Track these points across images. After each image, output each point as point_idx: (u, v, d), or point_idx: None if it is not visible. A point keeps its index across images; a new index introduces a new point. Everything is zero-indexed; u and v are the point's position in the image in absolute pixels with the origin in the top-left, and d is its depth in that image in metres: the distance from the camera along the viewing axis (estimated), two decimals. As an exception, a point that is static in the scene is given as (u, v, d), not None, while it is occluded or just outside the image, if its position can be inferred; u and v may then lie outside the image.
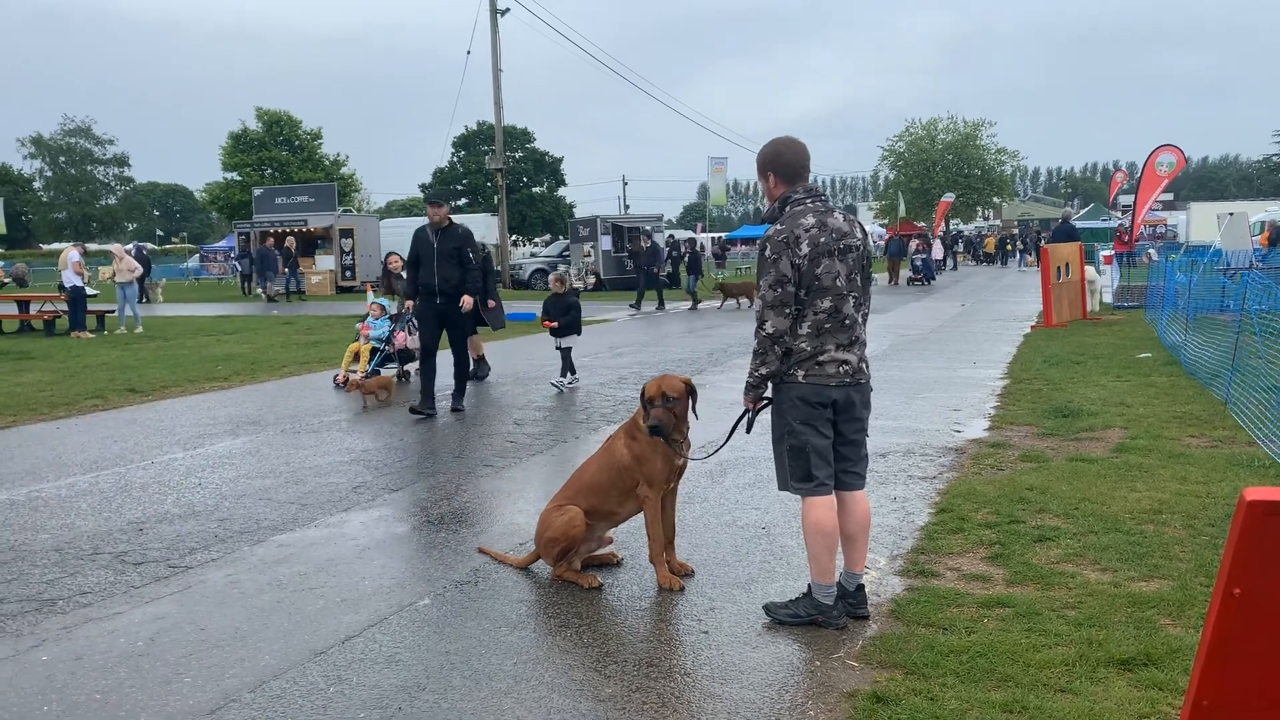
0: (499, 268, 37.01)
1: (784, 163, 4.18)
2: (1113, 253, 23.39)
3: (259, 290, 32.60)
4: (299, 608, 4.54)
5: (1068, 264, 17.62)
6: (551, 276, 12.05)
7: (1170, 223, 52.96)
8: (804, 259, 3.99)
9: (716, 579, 4.80)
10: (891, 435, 7.97)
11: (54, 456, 8.03)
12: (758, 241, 4.26)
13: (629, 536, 5.33)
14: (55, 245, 66.53)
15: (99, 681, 3.80)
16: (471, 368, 11.90)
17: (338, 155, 59.98)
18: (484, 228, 37.89)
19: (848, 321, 4.09)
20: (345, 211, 42.40)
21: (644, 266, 25.02)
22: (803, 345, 4.06)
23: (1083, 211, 67.10)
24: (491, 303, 11.97)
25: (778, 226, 4.08)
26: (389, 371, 11.70)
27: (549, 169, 69.13)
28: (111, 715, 3.52)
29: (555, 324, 11.34)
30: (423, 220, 10.13)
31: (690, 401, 4.71)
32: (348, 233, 35.10)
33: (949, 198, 58.64)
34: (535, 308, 23.95)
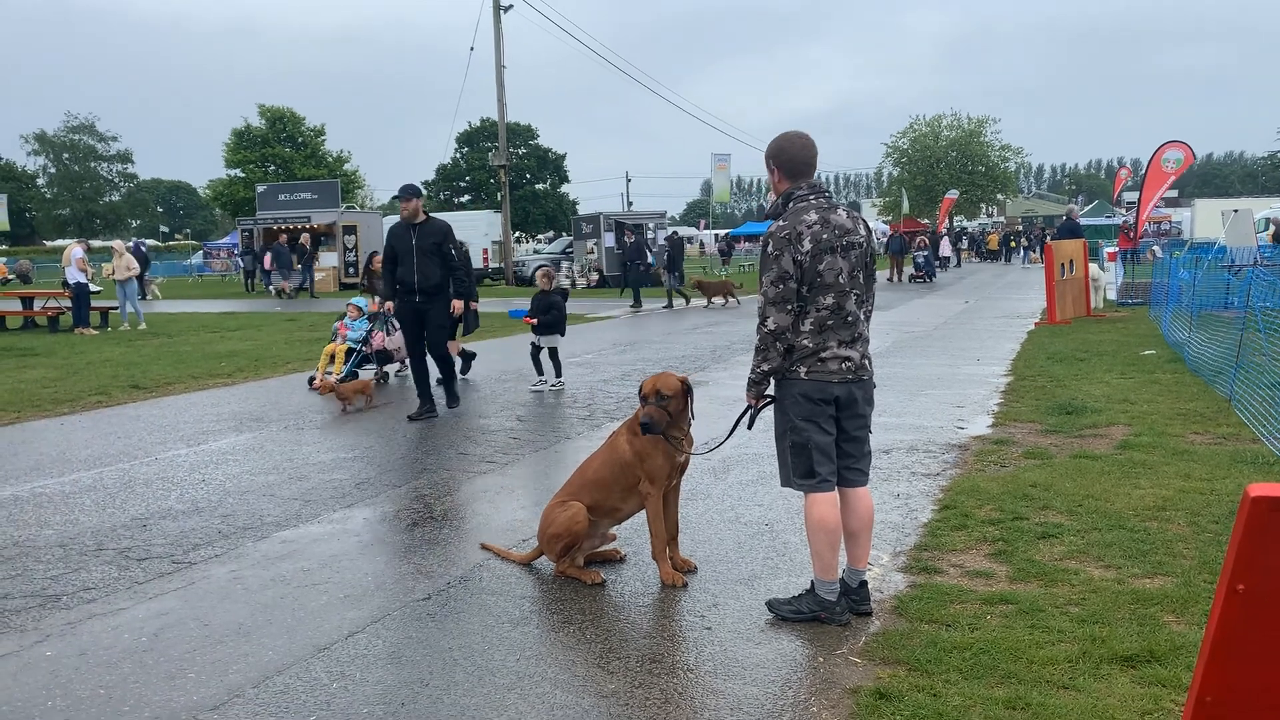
0: (502, 264, 37.09)
1: (787, 158, 4.17)
2: (1117, 250, 23.36)
3: (270, 287, 32.65)
4: (302, 603, 4.55)
5: (1072, 261, 17.59)
6: (539, 272, 11.59)
7: (1174, 219, 52.87)
8: (806, 255, 3.98)
9: (719, 575, 4.80)
10: (895, 432, 7.97)
11: (58, 453, 8.04)
12: (761, 238, 4.26)
13: (632, 533, 5.34)
14: (59, 242, 66.66)
15: (103, 677, 3.81)
16: (459, 364, 11.61)
17: (341, 152, 60.01)
18: (487, 224, 37.91)
19: (850, 318, 4.08)
20: (348, 208, 42.44)
21: (628, 263, 24.91)
22: (805, 342, 4.05)
23: (1087, 208, 66.97)
24: (473, 304, 11.63)
25: (780, 223, 4.08)
26: (367, 373, 11.39)
27: (552, 165, 69.09)
28: (115, 710, 3.53)
29: (535, 321, 10.95)
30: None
31: (687, 400, 4.70)
32: (351, 230, 35.12)
33: (953, 194, 58.59)
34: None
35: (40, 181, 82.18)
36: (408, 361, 11.59)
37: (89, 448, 8.22)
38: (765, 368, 4.09)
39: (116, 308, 20.33)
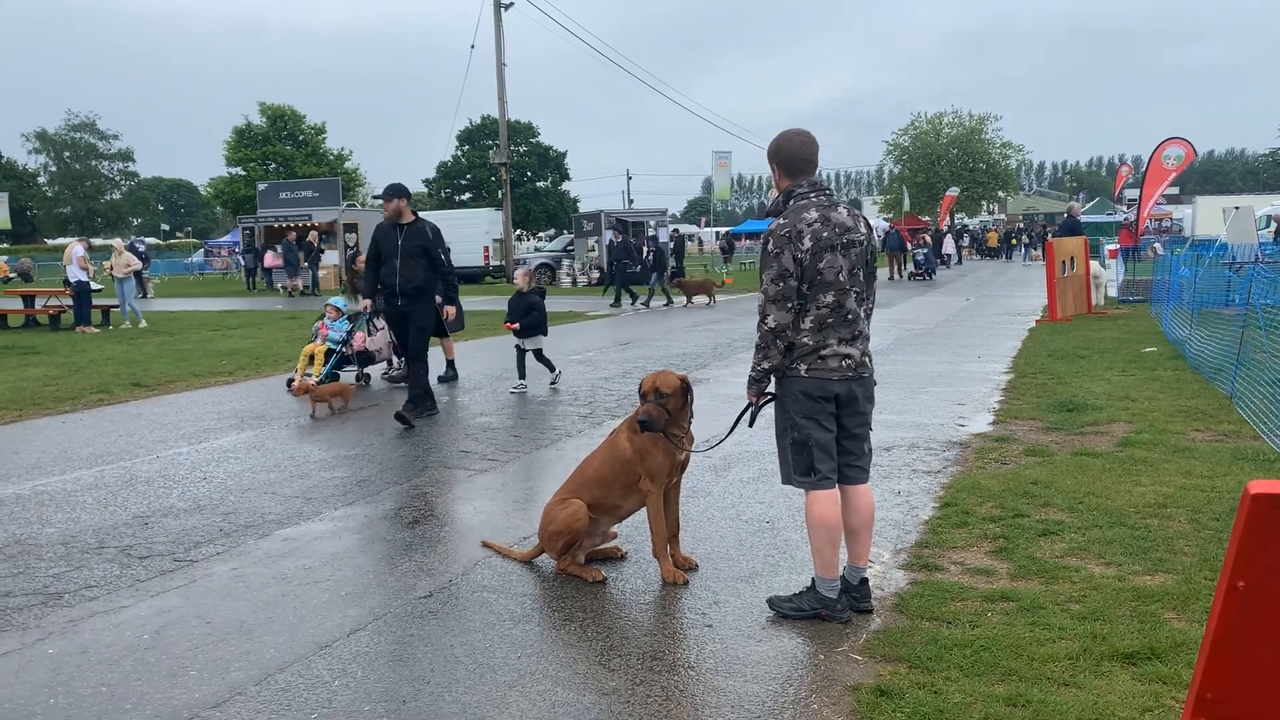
0: (503, 262, 37.08)
1: (786, 156, 4.17)
2: (1118, 247, 23.34)
3: (278, 285, 32.66)
4: (304, 601, 4.55)
5: (1073, 258, 17.58)
6: (518, 272, 11.26)
7: (1175, 216, 52.85)
8: (806, 253, 3.98)
9: (720, 573, 4.80)
10: (896, 429, 7.97)
11: (59, 451, 8.05)
12: (761, 236, 4.26)
13: (633, 530, 5.34)
14: (60, 240, 66.75)
15: (105, 675, 3.81)
16: (445, 371, 11.38)
17: (342, 150, 59.99)
18: (488, 222, 37.89)
19: (850, 316, 4.08)
20: (349, 206, 42.44)
21: (614, 262, 24.84)
22: (805, 340, 4.05)
23: (1088, 206, 66.96)
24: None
25: (781, 220, 4.08)
26: (348, 375, 11.16)
27: (553, 163, 69.07)
28: (117, 708, 3.53)
29: (517, 325, 10.71)
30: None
31: (686, 398, 4.70)
32: (352, 228, 35.12)
33: (953, 192, 58.60)
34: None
35: (41, 180, 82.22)
36: (393, 361, 11.40)
37: (90, 446, 8.22)
38: (766, 365, 4.10)
39: (118, 306, 20.35)
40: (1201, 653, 2.15)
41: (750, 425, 4.47)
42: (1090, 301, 18.04)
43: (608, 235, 32.98)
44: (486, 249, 36.81)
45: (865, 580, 4.28)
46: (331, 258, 35.03)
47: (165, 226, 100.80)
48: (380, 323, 10.83)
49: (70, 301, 19.61)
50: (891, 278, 33.18)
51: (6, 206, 56.89)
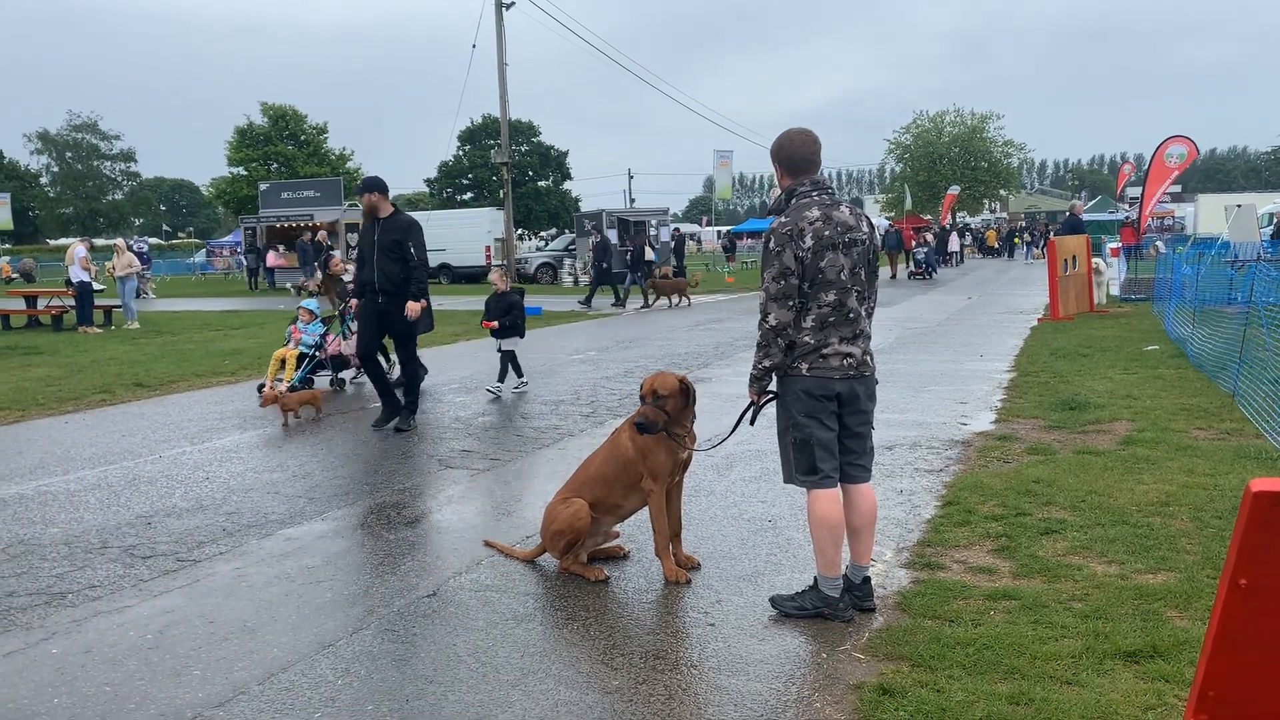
0: (505, 261, 37.08)
1: (788, 155, 4.17)
2: (1120, 245, 23.32)
3: (290, 285, 32.66)
4: (307, 600, 4.56)
5: (1075, 256, 17.58)
6: (494, 272, 11.06)
7: (1178, 215, 52.80)
8: (808, 252, 3.98)
9: (723, 572, 4.80)
10: (898, 428, 7.97)
11: (62, 451, 8.06)
12: (763, 234, 4.26)
13: (635, 529, 5.34)
14: (62, 241, 66.83)
15: (108, 674, 3.82)
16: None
17: (343, 149, 60.00)
18: (490, 222, 37.90)
19: (851, 315, 4.08)
20: (351, 206, 42.44)
21: (597, 262, 24.78)
22: (806, 338, 4.06)
23: (1090, 204, 66.91)
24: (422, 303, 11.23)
25: (782, 219, 4.08)
26: (322, 379, 10.77)
27: (555, 163, 69.08)
28: (121, 708, 3.54)
29: (495, 324, 10.50)
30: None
31: (686, 399, 4.69)
32: (354, 227, 35.13)
33: (954, 190, 58.58)
34: (541, 302, 24.04)
35: (43, 180, 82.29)
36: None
37: (93, 446, 8.24)
38: (767, 364, 4.10)
39: (120, 306, 20.37)
40: (1204, 651, 2.15)
41: (751, 424, 4.48)
42: (1092, 300, 18.03)
43: (611, 234, 32.99)
44: (488, 248, 36.82)
45: (868, 579, 4.28)
46: (333, 257, 35.04)
47: (167, 227, 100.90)
48: (355, 326, 10.20)
49: (72, 302, 19.64)
50: (894, 276, 33.13)
51: (9, 207, 56.96)
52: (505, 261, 36.61)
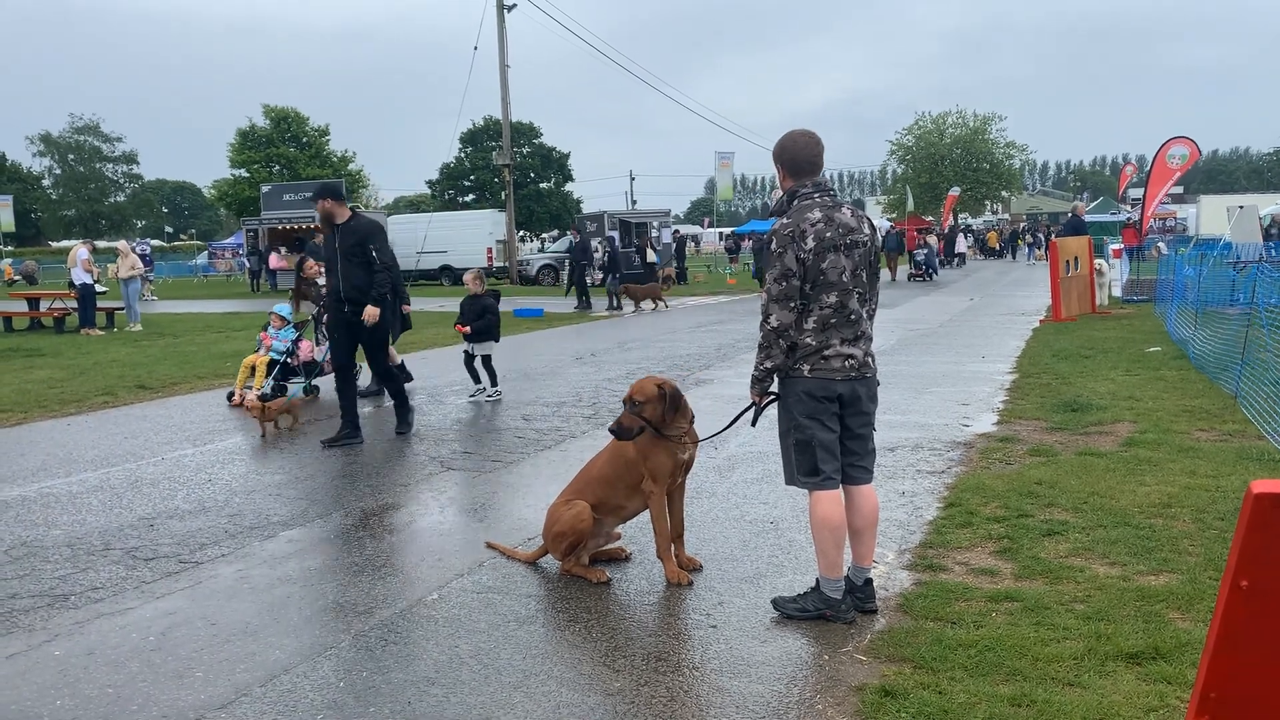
0: (506, 264, 37.10)
1: (789, 157, 4.17)
2: (1122, 246, 23.30)
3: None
4: (309, 602, 4.56)
5: (1077, 258, 17.57)
6: (468, 275, 10.67)
7: (1180, 216, 52.76)
8: (809, 253, 3.99)
9: (725, 574, 4.80)
10: (899, 429, 7.97)
11: (65, 453, 8.07)
12: (764, 236, 4.26)
13: (637, 531, 5.34)
14: (64, 243, 66.88)
15: (111, 676, 3.83)
16: (369, 384, 10.58)
17: (345, 151, 60.06)
18: (491, 224, 37.93)
19: (853, 316, 4.09)
20: (353, 208, 42.45)
21: (574, 263, 24.73)
22: (808, 340, 4.06)
23: (1092, 205, 66.88)
24: (405, 307, 10.70)
25: (784, 220, 4.08)
26: (294, 387, 10.30)
27: (556, 164, 69.06)
28: (123, 709, 3.55)
29: (469, 328, 10.16)
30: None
31: (664, 404, 4.62)
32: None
33: (955, 191, 58.56)
34: (543, 304, 24.05)
35: (46, 183, 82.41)
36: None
37: (95, 448, 8.24)
38: (768, 365, 4.10)
39: (122, 308, 20.40)
40: (1205, 652, 2.15)
41: (753, 425, 4.48)
42: (1094, 301, 18.02)
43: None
44: (490, 250, 36.85)
45: (870, 581, 4.28)
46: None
47: (169, 229, 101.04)
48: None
49: (75, 304, 19.66)
50: (893, 279, 33.03)
51: (11, 209, 56.99)
52: (508, 260, 36.68)
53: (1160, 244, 29.72)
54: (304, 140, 57.66)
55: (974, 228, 65.41)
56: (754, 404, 4.30)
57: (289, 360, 10.50)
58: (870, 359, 4.19)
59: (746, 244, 58.79)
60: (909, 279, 32.74)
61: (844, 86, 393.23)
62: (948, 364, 11.93)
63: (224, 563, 5.17)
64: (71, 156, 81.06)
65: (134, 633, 4.25)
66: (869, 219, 4.25)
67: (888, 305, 19.86)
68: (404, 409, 8.65)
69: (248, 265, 38.14)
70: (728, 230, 66.93)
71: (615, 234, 31.91)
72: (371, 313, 7.93)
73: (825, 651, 3.88)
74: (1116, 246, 23.15)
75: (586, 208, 66.99)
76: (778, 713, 3.40)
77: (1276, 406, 7.14)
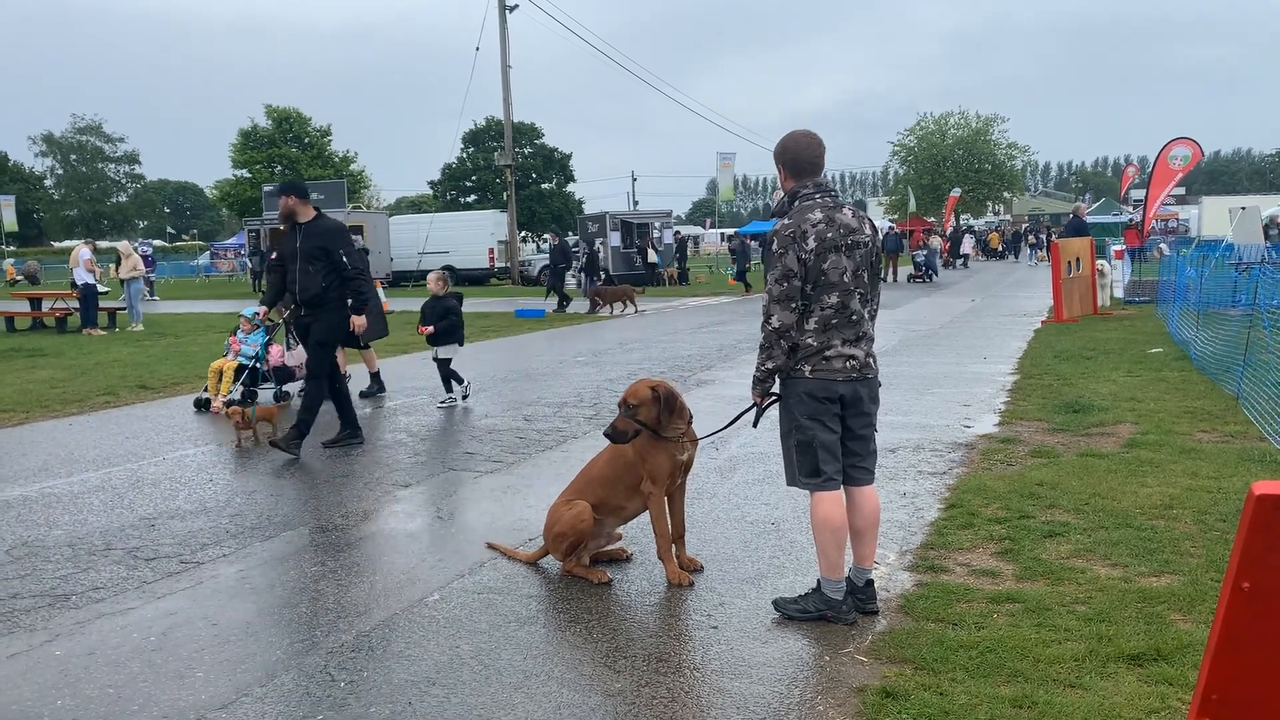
0: (508, 264, 37.11)
1: (791, 157, 4.17)
2: (1124, 247, 23.28)
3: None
4: (309, 602, 4.56)
5: (1078, 259, 17.56)
6: (431, 276, 10.36)
7: (1182, 217, 52.70)
8: (810, 254, 3.98)
9: (726, 574, 4.80)
10: (901, 430, 7.96)
11: (66, 453, 8.07)
12: (765, 236, 4.26)
13: (638, 532, 5.34)
14: (66, 243, 66.96)
15: (111, 676, 3.83)
16: (369, 385, 10.72)
17: (347, 152, 60.17)
18: (493, 224, 37.93)
19: (854, 317, 4.09)
20: (355, 208, 42.51)
21: (554, 265, 24.71)
22: (809, 341, 4.06)
23: (1094, 206, 66.84)
24: (383, 306, 10.43)
25: (785, 221, 4.08)
26: (265, 393, 10.19)
27: (558, 165, 69.09)
28: (124, 709, 3.55)
29: (431, 330, 9.90)
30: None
31: (658, 406, 4.61)
32: (357, 229, 35.18)
33: (956, 192, 58.55)
34: (544, 304, 24.06)
35: (48, 183, 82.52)
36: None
37: (97, 448, 8.25)
38: (769, 365, 4.10)
39: (124, 308, 20.42)
40: (1207, 654, 2.15)
41: (754, 426, 4.47)
42: (1096, 302, 18.01)
43: (613, 237, 32.98)
44: (491, 251, 36.85)
45: (871, 582, 4.27)
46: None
47: (171, 229, 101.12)
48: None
49: (77, 304, 19.68)
50: (894, 279, 32.99)
51: (13, 209, 57.01)
52: (510, 261, 36.67)
53: (1162, 245, 29.72)
54: (306, 141, 57.75)
55: (975, 229, 65.39)
56: (755, 405, 4.30)
57: (258, 365, 10.17)
58: (872, 360, 4.19)
59: (753, 244, 58.76)
60: (909, 280, 32.71)
61: (845, 87, 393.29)
62: (949, 365, 11.93)
63: (225, 563, 5.17)
64: (74, 157, 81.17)
65: (135, 633, 4.25)
66: (870, 220, 4.25)
67: (889, 306, 19.85)
68: (302, 428, 7.77)
69: (249, 265, 38.13)
70: (732, 230, 66.94)
71: (598, 239, 31.96)
72: (358, 323, 7.78)
73: (826, 653, 3.88)
74: (1118, 247, 23.12)
75: (588, 208, 67.03)
76: (778, 714, 3.39)
77: (1278, 408, 7.13)
